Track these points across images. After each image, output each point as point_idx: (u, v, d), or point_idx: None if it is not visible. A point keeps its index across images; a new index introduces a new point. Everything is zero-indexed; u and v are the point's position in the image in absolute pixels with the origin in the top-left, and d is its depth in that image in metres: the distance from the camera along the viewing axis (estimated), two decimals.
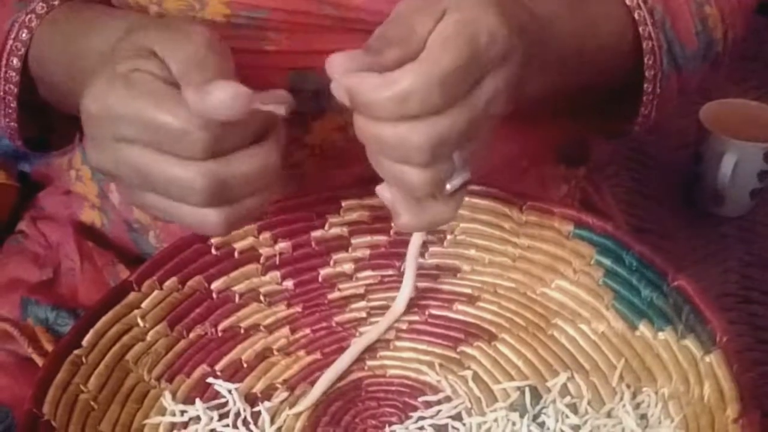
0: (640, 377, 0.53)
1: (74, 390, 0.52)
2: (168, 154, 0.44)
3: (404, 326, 0.59)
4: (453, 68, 0.44)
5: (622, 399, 0.52)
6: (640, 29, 0.61)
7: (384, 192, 0.50)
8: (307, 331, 0.59)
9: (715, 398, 0.48)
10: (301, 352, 0.58)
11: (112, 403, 0.54)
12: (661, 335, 0.54)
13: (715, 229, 1.15)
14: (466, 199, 0.54)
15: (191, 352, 0.58)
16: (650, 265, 0.56)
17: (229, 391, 0.55)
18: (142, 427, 0.53)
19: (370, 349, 0.57)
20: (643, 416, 0.50)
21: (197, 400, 0.54)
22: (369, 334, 0.58)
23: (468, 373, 0.55)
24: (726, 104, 1.21)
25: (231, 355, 0.57)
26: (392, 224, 0.62)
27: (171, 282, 0.59)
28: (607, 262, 0.58)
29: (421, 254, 0.61)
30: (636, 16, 0.62)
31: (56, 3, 0.58)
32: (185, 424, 0.53)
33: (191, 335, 0.58)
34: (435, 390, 0.55)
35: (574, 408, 0.52)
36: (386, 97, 0.44)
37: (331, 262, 0.62)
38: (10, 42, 0.58)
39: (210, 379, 0.56)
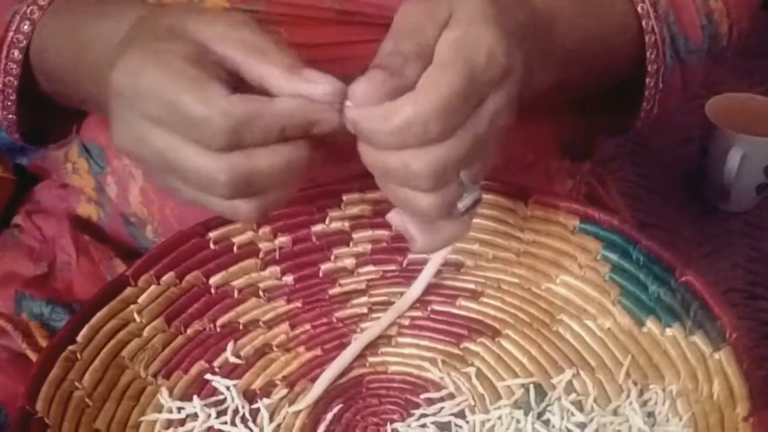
0: (647, 374, 0.52)
1: (68, 386, 0.51)
2: (192, 141, 0.43)
3: (406, 322, 0.58)
4: (451, 97, 0.43)
5: (628, 396, 0.51)
6: (643, 22, 0.60)
7: (395, 218, 0.49)
8: (308, 326, 0.58)
9: (724, 396, 0.47)
10: (301, 348, 0.57)
11: (108, 400, 0.52)
12: (668, 331, 0.53)
13: (720, 225, 1.14)
14: None
15: (189, 348, 0.56)
16: (658, 260, 0.55)
17: (228, 388, 0.54)
18: (138, 424, 0.52)
19: (372, 346, 0.56)
20: (651, 414, 0.49)
21: (195, 397, 0.53)
22: (371, 330, 0.56)
23: (471, 370, 0.54)
24: (732, 98, 1.20)
25: (229, 351, 0.56)
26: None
27: (168, 277, 0.58)
28: (613, 257, 0.56)
29: None
30: (639, 9, 0.61)
31: None
32: (182, 422, 0.52)
33: (189, 331, 0.57)
34: (438, 387, 0.53)
35: (579, 405, 0.51)
36: (385, 129, 0.44)
37: (332, 257, 0.61)
38: (11, 34, 0.57)
39: (208, 376, 0.55)
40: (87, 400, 0.52)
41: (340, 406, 0.53)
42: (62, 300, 0.61)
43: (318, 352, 0.56)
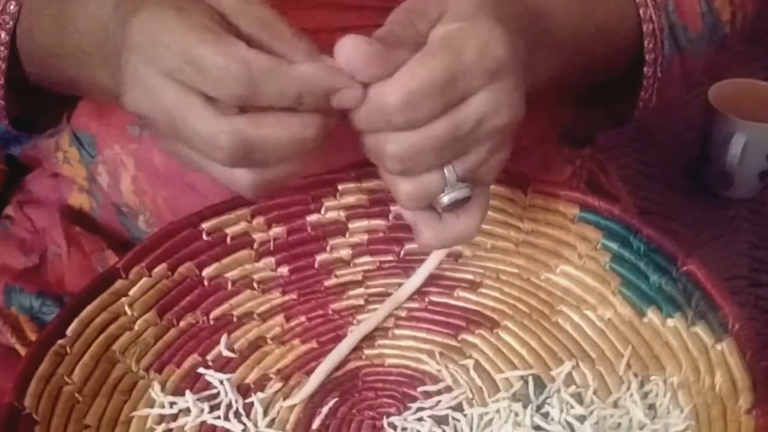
0: (648, 366, 0.51)
1: (58, 382, 0.50)
2: (203, 100, 0.41)
3: (403, 314, 0.56)
4: (421, 87, 0.43)
5: (629, 388, 0.49)
6: (641, 11, 0.59)
7: (404, 210, 0.48)
8: (303, 319, 0.57)
9: (727, 388, 0.46)
10: (296, 341, 0.56)
11: (98, 395, 0.51)
12: (669, 322, 0.51)
13: (723, 212, 1.12)
14: None
15: (181, 341, 0.55)
16: (659, 250, 0.54)
17: (221, 382, 0.53)
18: (129, 419, 0.51)
19: (368, 338, 0.55)
20: (651, 406, 0.48)
21: (187, 392, 0.52)
22: (367, 322, 0.55)
23: (469, 362, 0.53)
24: (735, 84, 1.19)
25: (223, 344, 0.55)
26: (391, 207, 0.61)
27: (160, 269, 0.57)
28: (613, 246, 0.55)
29: None
30: None
31: None
32: (174, 417, 0.51)
33: (181, 324, 0.56)
34: (435, 380, 0.52)
35: (579, 398, 0.50)
36: (361, 111, 0.44)
37: (328, 248, 0.60)
38: None
39: (201, 370, 0.54)
40: (77, 395, 0.51)
41: (336, 399, 0.52)
42: (53, 293, 0.60)
43: (313, 344, 0.55)
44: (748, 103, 1.16)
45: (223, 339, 0.55)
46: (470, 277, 0.58)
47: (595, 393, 0.50)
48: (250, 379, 0.53)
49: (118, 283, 0.56)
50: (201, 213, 0.59)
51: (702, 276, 0.51)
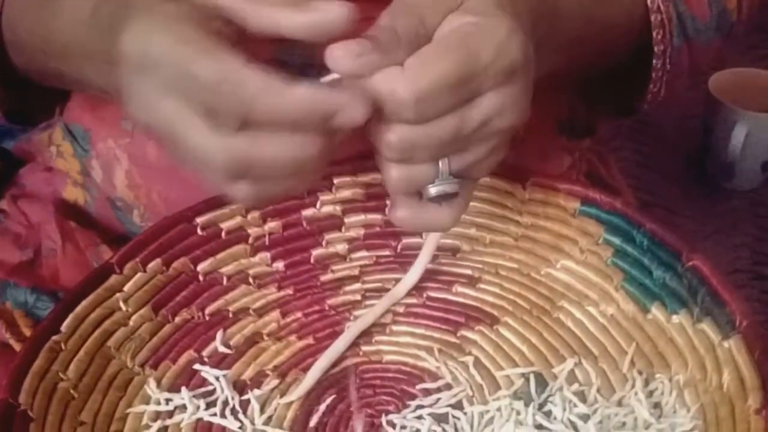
0: (653, 363, 0.50)
1: (53, 378, 0.50)
2: (201, 115, 0.40)
3: (401, 309, 0.56)
4: (436, 85, 0.41)
5: (633, 386, 0.49)
6: (648, 2, 0.58)
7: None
8: (299, 314, 0.56)
9: (734, 387, 0.45)
10: (293, 337, 0.55)
11: (94, 391, 0.51)
12: (675, 318, 0.51)
13: (725, 204, 1.12)
14: None
15: (177, 337, 0.55)
16: (662, 244, 0.53)
17: (217, 378, 0.52)
18: (125, 416, 0.50)
19: (365, 334, 0.54)
20: (657, 405, 0.47)
21: (183, 388, 0.51)
22: (364, 318, 0.54)
23: (469, 359, 0.52)
24: (736, 74, 1.18)
25: (218, 340, 0.54)
26: (388, 201, 0.59)
27: (155, 264, 0.56)
28: (616, 240, 0.54)
29: (419, 234, 0.58)
30: None
31: None
32: (170, 413, 0.50)
33: (177, 319, 0.55)
34: (434, 377, 0.52)
35: (582, 396, 0.49)
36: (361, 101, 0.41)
37: (324, 243, 0.59)
38: None
39: (197, 366, 0.53)
40: (72, 391, 0.50)
41: (333, 396, 0.51)
42: (47, 288, 0.59)
43: (310, 340, 0.54)
44: (749, 93, 1.15)
45: (219, 335, 0.54)
46: (469, 272, 0.57)
47: (598, 391, 0.49)
48: (247, 375, 0.53)
49: (113, 279, 0.55)
50: (195, 207, 0.58)
51: (708, 271, 0.50)
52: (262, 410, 0.50)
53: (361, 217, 0.60)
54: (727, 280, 0.49)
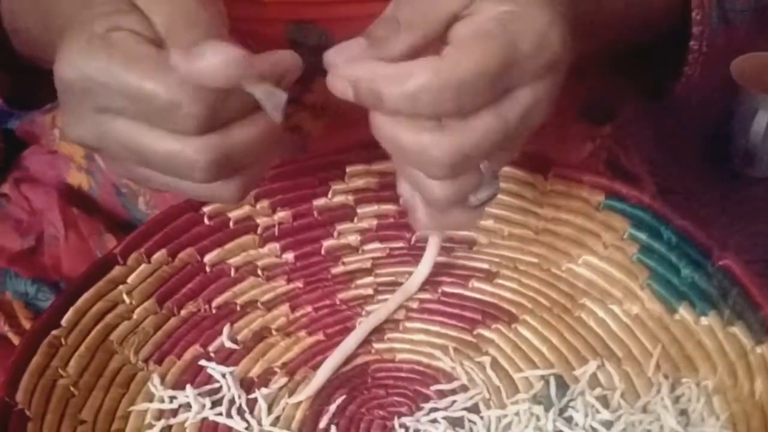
0: (680, 367, 0.48)
1: (52, 374, 0.48)
2: (160, 127, 0.38)
3: (415, 305, 0.53)
4: (478, 74, 0.38)
5: (659, 391, 0.46)
6: None
7: (407, 190, 0.45)
8: (309, 309, 0.54)
9: None
10: (302, 333, 0.53)
11: (95, 388, 0.49)
12: (703, 320, 0.48)
13: (745, 191, 1.09)
14: None
15: (182, 331, 0.52)
16: (692, 242, 0.50)
17: (223, 376, 0.50)
18: (127, 414, 0.48)
19: (378, 331, 0.52)
20: (684, 412, 0.45)
21: (188, 386, 0.49)
22: (377, 313, 0.52)
23: (486, 360, 0.50)
24: (758, 58, 1.14)
25: (225, 335, 0.52)
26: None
27: (160, 254, 0.54)
28: (642, 236, 0.52)
29: None
30: None
31: None
32: (174, 412, 0.48)
33: (182, 312, 0.53)
34: (449, 377, 0.49)
35: (605, 401, 0.47)
36: (395, 91, 0.39)
37: (335, 234, 0.57)
38: None
39: (202, 362, 0.51)
40: (72, 388, 0.48)
41: (344, 397, 0.49)
42: (49, 278, 0.57)
43: (320, 336, 0.52)
44: None
45: (226, 329, 0.52)
46: (486, 266, 0.55)
47: (622, 396, 0.47)
48: (254, 372, 0.51)
49: (116, 270, 0.53)
50: None
51: (740, 272, 0.47)
52: (269, 410, 0.48)
53: (374, 208, 0.58)
54: (761, 281, 0.46)
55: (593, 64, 0.62)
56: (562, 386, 0.48)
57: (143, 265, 0.53)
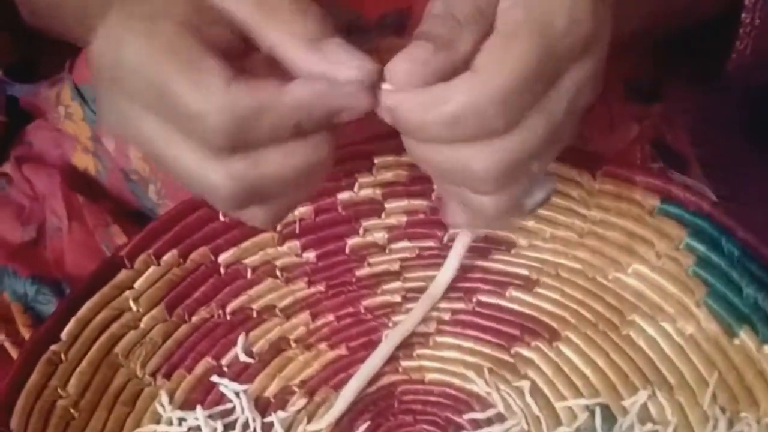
0: (738, 399, 0.43)
1: (50, 395, 0.44)
2: (190, 141, 0.33)
3: (447, 316, 0.49)
4: (518, 79, 0.33)
5: (715, 428, 0.42)
6: None
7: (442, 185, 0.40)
8: (331, 317, 0.49)
9: None
10: (323, 345, 0.48)
11: (97, 408, 0.45)
12: (767, 348, 0.43)
13: None
14: None
15: (194, 340, 0.49)
16: (755, 257, 0.45)
17: (237, 395, 0.46)
18: None
19: (406, 345, 0.48)
20: None
21: (198, 407, 0.45)
22: (402, 325, 0.48)
23: (525, 384, 0.45)
24: None
25: (240, 347, 0.48)
26: (435, 186, 0.52)
27: (170, 256, 0.50)
28: (700, 247, 0.47)
29: None
30: None
31: None
32: None
33: (194, 319, 0.49)
34: (484, 404, 0.45)
35: None
36: (434, 120, 0.34)
37: (361, 231, 0.52)
38: None
39: (215, 378, 0.47)
40: (72, 410, 0.44)
41: (368, 424, 0.45)
42: (50, 276, 0.53)
43: (342, 350, 0.48)
44: None
45: (241, 339, 0.48)
46: (525, 272, 0.50)
47: None
48: (270, 391, 0.47)
49: (122, 274, 0.49)
50: None
51: None
52: None
53: (403, 203, 0.53)
54: None
55: (638, 40, 0.56)
56: (609, 418, 0.43)
57: (152, 268, 0.49)
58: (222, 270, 0.51)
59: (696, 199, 0.47)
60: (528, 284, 0.49)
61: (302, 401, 0.46)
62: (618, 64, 0.60)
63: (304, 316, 0.50)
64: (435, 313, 0.49)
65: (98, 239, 0.55)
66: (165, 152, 0.34)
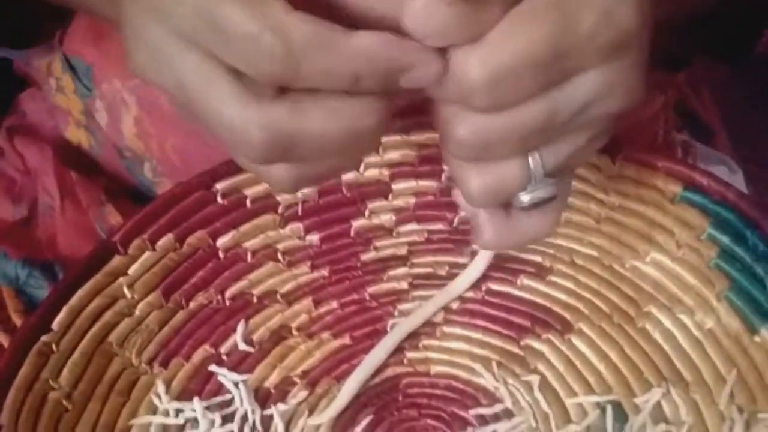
0: (757, 398, 0.41)
1: (42, 388, 0.42)
2: (230, 78, 0.31)
3: (455, 305, 0.47)
4: (519, 64, 0.31)
5: (731, 429, 0.40)
6: None
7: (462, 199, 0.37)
8: (334, 304, 0.48)
9: None
10: (326, 334, 0.47)
11: (91, 398, 0.44)
12: None
13: None
14: None
15: (191, 327, 0.47)
16: None
17: (236, 385, 0.44)
18: (128, 428, 0.43)
19: (412, 335, 0.46)
20: None
21: (195, 399, 0.44)
22: (410, 320, 0.46)
23: (534, 379, 0.43)
24: None
25: (239, 334, 0.46)
26: (445, 166, 0.50)
27: (166, 240, 0.48)
28: (723, 239, 0.44)
29: None
30: None
31: None
32: (180, 428, 0.43)
33: (191, 305, 0.47)
34: (491, 398, 0.43)
35: None
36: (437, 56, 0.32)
37: (366, 213, 0.50)
38: None
39: (213, 367, 0.45)
40: (65, 402, 0.43)
41: (371, 417, 0.43)
42: (42, 257, 0.51)
43: (346, 340, 0.46)
44: None
45: (240, 327, 0.47)
46: (538, 259, 0.48)
47: None
48: (271, 382, 0.45)
49: (116, 260, 0.47)
50: (215, 171, 0.49)
51: None
52: (287, 430, 0.43)
53: (411, 184, 0.50)
54: None
55: (667, 23, 0.53)
56: (620, 416, 0.41)
57: (147, 253, 0.47)
58: (221, 254, 0.49)
59: (721, 188, 0.45)
60: (541, 272, 0.47)
61: (303, 393, 0.44)
62: None
63: (307, 302, 0.48)
64: None
65: (92, 218, 0.53)
66: (198, 92, 0.31)
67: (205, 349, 0.46)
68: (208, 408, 0.44)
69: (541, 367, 0.44)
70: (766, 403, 0.41)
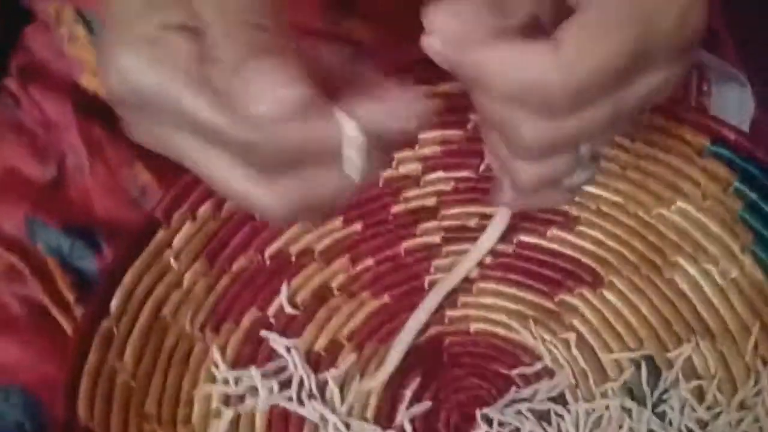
0: None
1: (109, 373, 0.44)
2: (235, 158, 0.31)
3: (488, 260, 0.49)
4: (603, 72, 0.31)
5: (757, 383, 0.43)
6: None
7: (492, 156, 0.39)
8: (370, 262, 0.49)
9: None
10: (365, 294, 0.49)
11: (154, 374, 0.46)
12: None
13: None
14: None
15: (236, 290, 0.49)
16: None
17: (288, 350, 0.47)
18: (191, 398, 0.46)
19: (450, 292, 0.48)
20: None
21: (252, 368, 0.46)
22: (449, 278, 0.48)
23: (571, 336, 0.46)
24: None
25: (284, 296, 0.48)
26: (471, 116, 0.50)
27: (204, 209, 0.49)
28: (750, 193, 0.46)
29: None
30: None
31: None
32: (241, 398, 0.46)
33: (234, 267, 0.49)
34: (530, 354, 0.46)
35: (700, 393, 0.44)
36: (503, 82, 0.32)
37: (393, 163, 0.51)
38: None
39: (264, 333, 0.47)
40: (131, 382, 0.45)
41: (419, 380, 0.46)
42: (80, 220, 0.51)
43: (386, 299, 0.48)
44: None
45: (284, 289, 0.48)
46: (565, 208, 0.49)
47: (718, 388, 0.44)
48: (320, 345, 0.47)
49: (161, 234, 0.48)
50: None
51: None
52: (342, 396, 0.46)
53: (437, 133, 0.51)
54: None
55: None
56: (654, 371, 0.45)
57: (188, 223, 0.48)
58: (257, 215, 0.50)
59: (749, 144, 0.46)
60: (569, 222, 0.49)
61: (352, 356, 0.47)
62: None
63: (344, 261, 0.49)
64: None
65: (122, 180, 0.53)
66: (209, 172, 0.32)
67: (253, 312, 0.48)
68: (264, 375, 0.46)
69: (576, 323, 0.47)
70: None
